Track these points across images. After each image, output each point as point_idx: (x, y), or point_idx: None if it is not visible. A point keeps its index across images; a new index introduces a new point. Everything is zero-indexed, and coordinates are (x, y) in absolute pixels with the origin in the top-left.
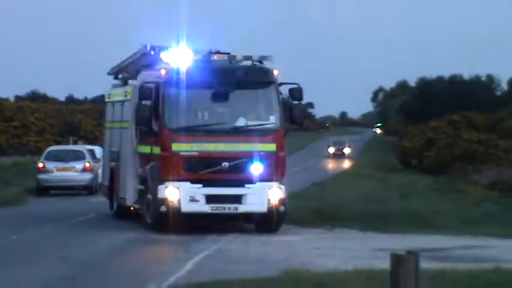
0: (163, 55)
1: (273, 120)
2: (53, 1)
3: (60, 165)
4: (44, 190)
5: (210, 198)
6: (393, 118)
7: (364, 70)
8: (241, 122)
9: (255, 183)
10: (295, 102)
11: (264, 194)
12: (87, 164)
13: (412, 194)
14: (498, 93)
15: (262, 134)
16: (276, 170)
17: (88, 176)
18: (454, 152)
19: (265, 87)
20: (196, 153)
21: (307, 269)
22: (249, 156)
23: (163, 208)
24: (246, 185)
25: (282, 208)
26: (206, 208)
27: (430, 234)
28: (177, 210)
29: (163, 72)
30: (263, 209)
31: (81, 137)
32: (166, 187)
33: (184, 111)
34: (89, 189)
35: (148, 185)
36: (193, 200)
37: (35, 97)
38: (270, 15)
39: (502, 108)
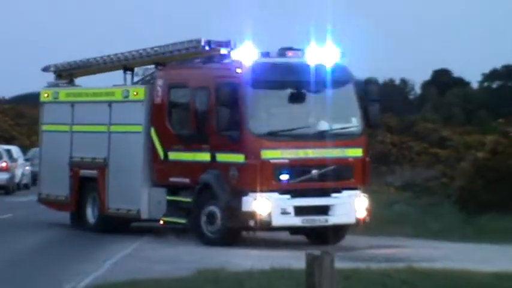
0: (223, 51)
1: (355, 123)
2: None
3: None
4: None
5: (299, 210)
6: None
7: None
8: (325, 126)
9: (341, 192)
10: (372, 101)
11: (352, 204)
12: (4, 164)
13: None
14: (411, 96)
15: (348, 138)
16: (363, 177)
17: (5, 176)
18: (369, 154)
19: (344, 86)
20: (286, 161)
21: (223, 268)
22: (337, 163)
23: (251, 222)
24: (333, 195)
25: (367, 219)
26: (297, 221)
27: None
28: (267, 224)
29: (239, 70)
30: (351, 220)
31: None
32: (254, 199)
33: (270, 114)
34: (5, 189)
35: (214, 196)
36: (284, 212)
37: None
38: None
39: (415, 112)
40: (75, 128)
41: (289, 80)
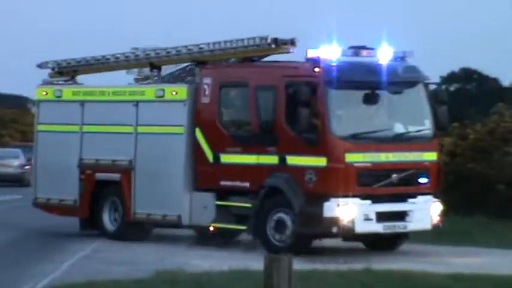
0: (289, 49)
1: (428, 125)
2: None
3: None
4: None
5: (380, 216)
6: None
7: None
8: (401, 128)
9: (416, 197)
10: (442, 103)
11: (428, 209)
12: None
13: None
14: None
15: (423, 141)
16: (437, 182)
17: None
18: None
19: (416, 87)
20: (369, 165)
21: (182, 269)
22: (416, 167)
23: (334, 229)
24: (409, 200)
25: (440, 225)
26: (378, 227)
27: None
28: (349, 231)
29: (318, 69)
30: (427, 226)
31: None
32: (338, 205)
33: (351, 116)
34: None
35: (285, 202)
36: (367, 218)
37: None
38: None
39: None
40: (87, 128)
41: (367, 80)
